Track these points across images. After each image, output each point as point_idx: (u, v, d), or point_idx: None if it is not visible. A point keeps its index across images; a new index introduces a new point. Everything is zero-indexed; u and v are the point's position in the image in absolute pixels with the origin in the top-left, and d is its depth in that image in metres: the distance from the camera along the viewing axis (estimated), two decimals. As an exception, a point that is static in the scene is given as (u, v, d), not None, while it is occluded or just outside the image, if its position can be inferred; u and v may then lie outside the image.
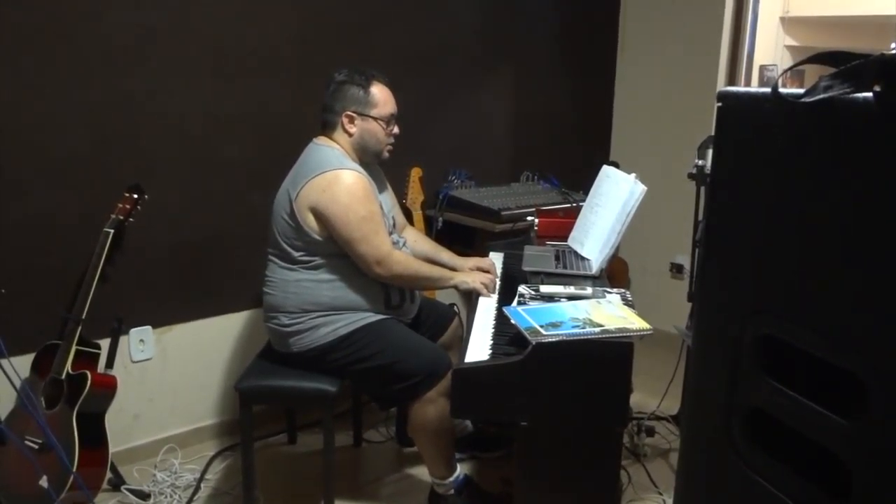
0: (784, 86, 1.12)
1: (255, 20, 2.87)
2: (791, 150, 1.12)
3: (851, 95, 0.97)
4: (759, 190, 1.19)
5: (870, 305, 1.00)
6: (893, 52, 0.94)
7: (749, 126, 1.19)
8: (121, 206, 2.52)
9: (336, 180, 2.30)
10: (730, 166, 1.26)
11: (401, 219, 2.77)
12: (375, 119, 2.42)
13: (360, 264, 2.35)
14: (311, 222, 2.31)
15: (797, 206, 1.12)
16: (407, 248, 2.58)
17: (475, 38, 3.58)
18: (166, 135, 2.75)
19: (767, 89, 1.10)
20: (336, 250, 2.35)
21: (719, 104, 1.22)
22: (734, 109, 1.21)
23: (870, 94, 0.96)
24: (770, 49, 3.60)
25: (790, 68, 1.09)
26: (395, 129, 2.49)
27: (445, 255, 2.74)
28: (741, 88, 1.21)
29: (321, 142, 2.43)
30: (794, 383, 1.16)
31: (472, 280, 2.50)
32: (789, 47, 3.61)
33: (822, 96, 0.99)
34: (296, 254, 2.36)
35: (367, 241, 2.32)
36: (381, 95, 2.43)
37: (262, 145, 2.95)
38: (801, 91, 1.03)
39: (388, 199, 2.62)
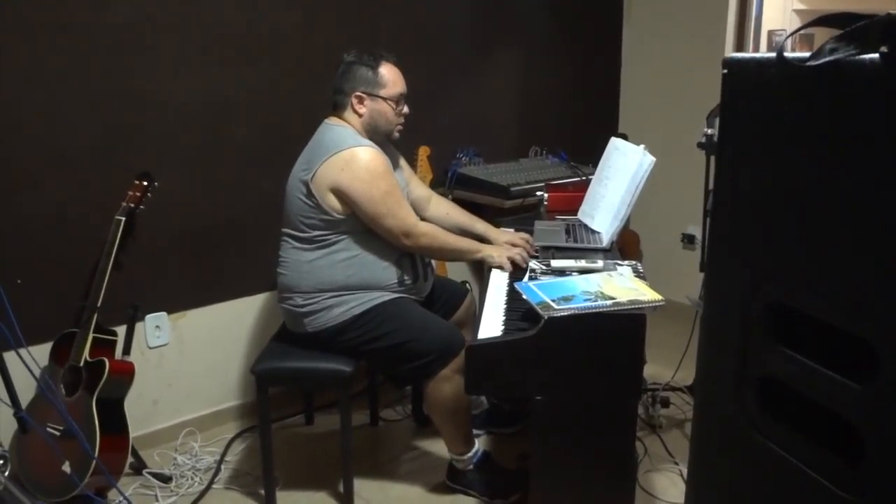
0: (793, 50, 1.11)
1: (259, 5, 2.86)
2: (799, 114, 1.11)
3: (857, 57, 0.96)
4: (767, 156, 1.18)
5: (880, 270, 1.00)
6: (899, 11, 0.93)
7: (756, 92, 1.18)
8: (131, 194, 2.54)
9: (353, 158, 2.31)
10: (737, 133, 1.25)
11: (424, 192, 2.77)
12: (385, 99, 2.41)
13: (389, 238, 2.36)
14: (331, 201, 2.31)
15: (806, 170, 1.11)
16: (449, 220, 2.68)
17: (479, 14, 3.55)
18: (174, 122, 2.75)
19: (773, 54, 1.08)
20: (354, 228, 2.36)
21: (725, 71, 1.21)
22: (740, 76, 1.20)
23: (876, 55, 0.95)
24: (778, 13, 3.54)
25: (795, 31, 1.08)
26: (405, 109, 2.48)
27: (480, 226, 2.72)
28: (746, 55, 1.20)
29: (333, 122, 2.43)
30: (805, 350, 1.15)
31: (498, 255, 2.47)
32: (798, 11, 3.56)
33: (828, 59, 0.98)
34: (312, 233, 2.37)
35: (393, 214, 2.33)
36: (389, 76, 2.42)
37: (270, 129, 2.95)
38: (807, 55, 1.02)
39: (403, 176, 2.62)
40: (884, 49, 0.92)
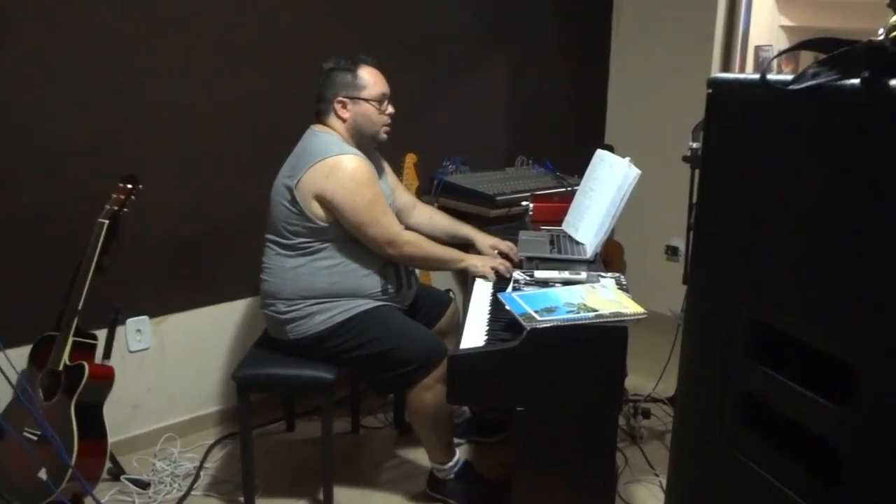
0: (779, 68, 1.12)
1: (249, 9, 2.85)
2: (781, 135, 1.12)
3: (839, 82, 0.97)
4: (750, 176, 1.19)
5: (860, 292, 1.01)
6: (880, 38, 0.94)
7: (739, 112, 1.19)
8: (115, 196, 2.51)
9: (338, 166, 2.30)
10: (721, 152, 1.26)
11: (409, 199, 2.78)
12: (367, 101, 2.41)
13: (373, 247, 2.36)
14: (315, 209, 2.31)
15: (787, 192, 1.12)
16: (433, 225, 2.68)
17: (469, 23, 3.56)
18: (162, 125, 2.74)
19: (756, 76, 1.09)
20: (338, 235, 2.35)
21: (709, 91, 1.22)
22: (724, 96, 1.21)
23: (857, 81, 0.96)
24: (765, 29, 3.57)
25: (779, 54, 1.09)
26: (390, 109, 2.48)
27: (465, 229, 2.74)
28: (731, 75, 1.21)
29: (318, 129, 2.43)
30: (786, 369, 1.16)
31: (482, 265, 2.48)
32: (784, 27, 3.58)
33: (810, 83, 0.99)
34: (296, 240, 2.36)
35: (377, 223, 2.33)
36: (369, 77, 2.42)
37: (258, 134, 2.94)
38: (790, 78, 1.03)
39: (388, 184, 2.62)
40: (865, 75, 0.94)
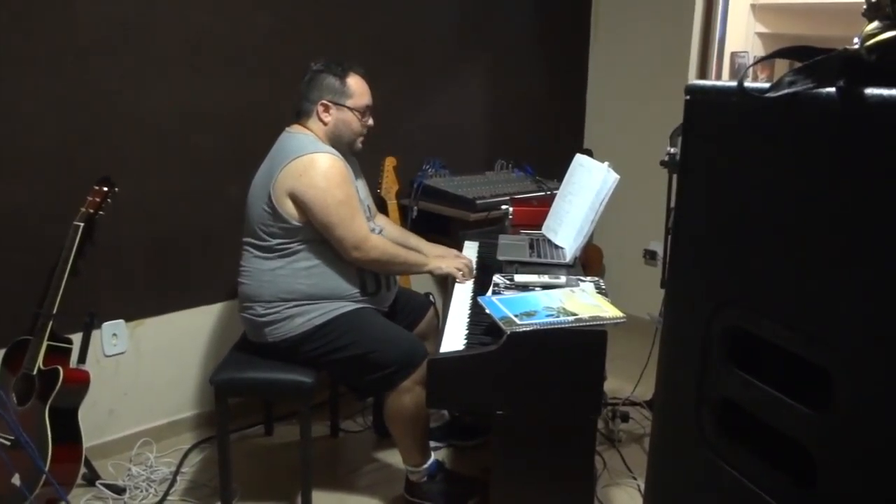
0: (755, 74, 1.13)
1: (228, 13, 2.84)
2: (758, 142, 1.13)
3: (815, 90, 0.98)
4: (727, 182, 1.20)
5: (835, 297, 1.02)
6: (856, 46, 0.95)
7: (716, 119, 1.20)
8: (90, 199, 2.49)
9: (312, 164, 2.30)
10: (698, 159, 1.27)
11: (373, 207, 2.77)
12: (351, 109, 2.42)
13: (339, 248, 2.35)
14: (288, 208, 2.30)
15: (764, 198, 1.13)
16: (384, 235, 2.59)
17: (450, 27, 3.57)
18: (138, 128, 2.71)
19: (734, 83, 1.10)
20: (314, 236, 2.35)
21: (687, 97, 1.22)
22: (701, 103, 1.22)
23: (833, 90, 0.97)
24: (741, 36, 3.61)
25: (756, 63, 1.10)
26: (370, 122, 2.48)
27: (413, 241, 2.74)
28: (708, 82, 1.22)
29: (294, 130, 2.42)
30: (763, 373, 1.17)
31: (446, 265, 2.51)
32: (760, 34, 3.63)
33: (786, 91, 1.00)
34: (272, 241, 2.35)
35: (345, 225, 2.32)
36: (357, 86, 2.42)
37: (235, 138, 2.92)
38: (767, 85, 1.04)
39: (363, 187, 2.62)
40: (840, 84, 0.95)
